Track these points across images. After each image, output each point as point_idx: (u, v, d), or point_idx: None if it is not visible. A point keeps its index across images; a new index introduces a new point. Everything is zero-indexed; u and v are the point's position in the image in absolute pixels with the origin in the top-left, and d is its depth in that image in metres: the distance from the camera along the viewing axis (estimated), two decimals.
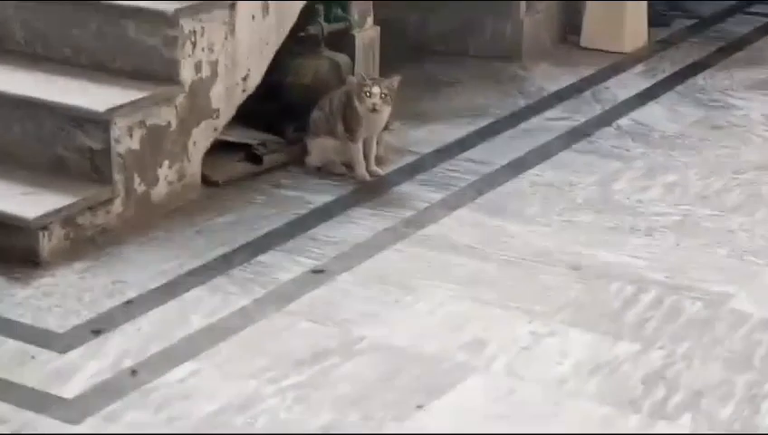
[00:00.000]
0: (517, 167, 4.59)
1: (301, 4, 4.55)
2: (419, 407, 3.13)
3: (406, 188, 4.42)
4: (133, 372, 3.26)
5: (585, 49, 5.88)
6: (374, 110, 4.34)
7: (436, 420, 3.08)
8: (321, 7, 4.69)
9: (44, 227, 3.79)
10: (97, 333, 3.44)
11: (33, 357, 3.30)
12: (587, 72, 5.61)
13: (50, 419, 3.05)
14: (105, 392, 3.17)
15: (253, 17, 4.35)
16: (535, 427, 3.06)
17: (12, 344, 3.37)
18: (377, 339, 3.43)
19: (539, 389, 3.23)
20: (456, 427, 3.05)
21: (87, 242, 3.91)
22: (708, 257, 3.94)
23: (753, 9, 6.57)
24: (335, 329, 3.48)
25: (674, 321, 3.56)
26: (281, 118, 4.63)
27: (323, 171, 4.49)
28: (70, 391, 3.17)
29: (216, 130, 4.32)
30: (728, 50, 5.95)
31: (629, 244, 4.03)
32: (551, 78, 5.51)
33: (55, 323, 3.49)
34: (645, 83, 5.50)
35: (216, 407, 3.11)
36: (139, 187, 4.06)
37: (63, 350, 3.35)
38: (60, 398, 3.14)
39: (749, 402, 3.16)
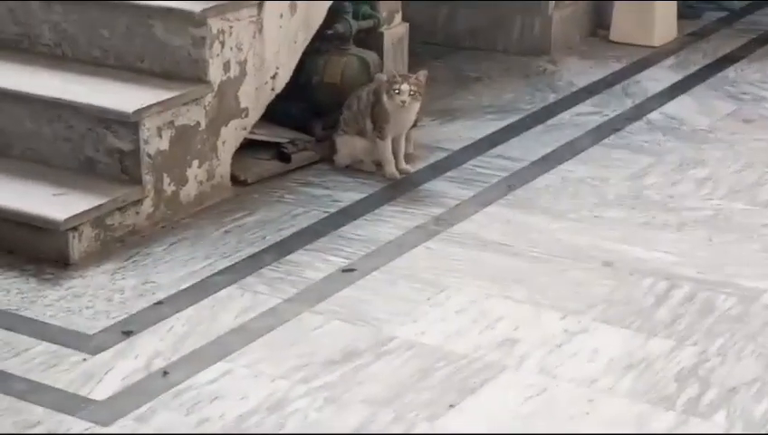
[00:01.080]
0: (547, 162, 4.57)
1: (329, 3, 4.54)
2: (451, 406, 3.11)
3: (435, 185, 4.39)
4: (164, 372, 3.26)
5: (615, 43, 5.84)
6: (402, 106, 4.32)
7: (468, 420, 3.06)
8: (349, 5, 4.68)
9: (74, 229, 3.79)
10: (128, 334, 3.43)
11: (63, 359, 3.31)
12: (617, 66, 5.59)
13: (81, 420, 3.04)
14: (136, 394, 3.16)
15: (281, 15, 4.34)
16: (568, 426, 3.04)
17: (43, 347, 3.36)
18: (408, 338, 3.41)
19: (571, 387, 3.20)
20: (489, 427, 3.03)
21: (117, 243, 3.91)
22: (741, 253, 3.91)
23: None
24: (366, 328, 3.46)
25: (707, 317, 3.53)
26: (309, 116, 4.62)
27: (352, 169, 4.47)
28: (100, 392, 3.16)
29: (244, 129, 4.31)
30: (759, 42, 5.90)
31: (661, 239, 4.00)
32: (580, 73, 5.49)
33: (86, 324, 3.48)
34: (675, 77, 5.47)
35: (248, 408, 3.10)
36: (169, 187, 4.06)
37: (94, 351, 3.35)
38: (90, 399, 3.14)
39: None
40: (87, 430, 3.01)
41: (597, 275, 3.77)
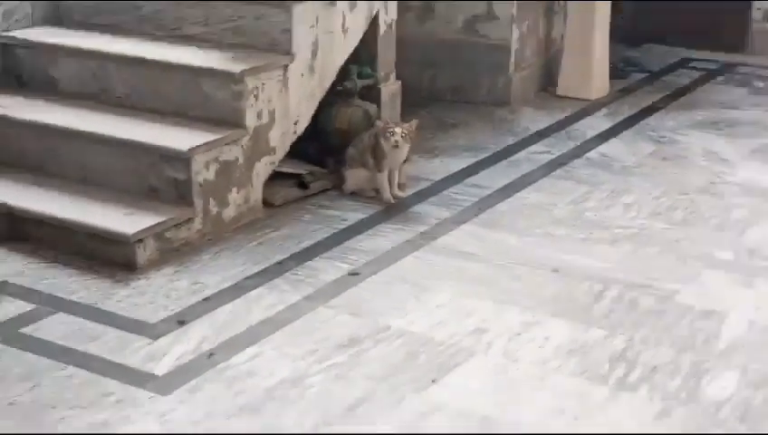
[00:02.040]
0: (508, 190, 4.58)
1: (339, 65, 4.56)
2: (433, 382, 3.12)
3: (421, 208, 4.40)
4: (210, 354, 3.26)
5: (560, 97, 5.86)
6: (396, 147, 4.33)
7: (446, 393, 3.07)
8: (354, 67, 4.69)
9: (140, 241, 3.79)
10: (182, 323, 3.44)
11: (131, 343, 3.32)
12: (562, 115, 5.62)
13: (145, 391, 3.05)
14: (188, 371, 3.17)
15: (301, 75, 4.35)
16: (524, 397, 3.05)
17: (115, 333, 3.37)
18: (399, 328, 3.42)
19: (527, 367, 3.21)
20: (462, 398, 3.04)
21: (173, 252, 3.91)
22: (659, 262, 3.92)
23: (692, 64, 6.56)
24: (367, 320, 3.47)
25: (632, 312, 3.54)
26: (323, 153, 4.62)
27: (357, 195, 4.48)
28: (160, 369, 3.17)
29: (273, 163, 4.32)
30: (673, 97, 5.94)
31: (597, 251, 4.00)
32: (533, 120, 5.51)
33: (149, 315, 3.49)
34: (608, 124, 5.49)
35: (274, 382, 3.11)
36: (214, 208, 4.06)
37: (155, 337, 3.35)
38: (153, 375, 3.14)
39: (693, 376, 3.15)
40: (150, 398, 3.02)
41: (547, 279, 3.78)
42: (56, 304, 3.55)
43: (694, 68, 6.47)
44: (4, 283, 3.68)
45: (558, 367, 3.21)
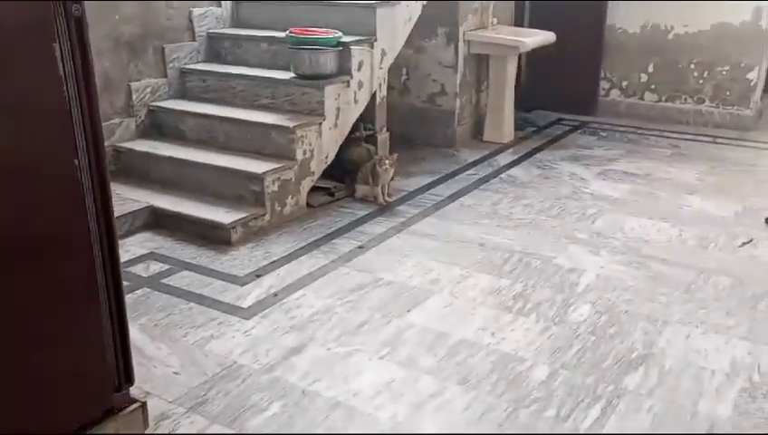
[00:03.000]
0: (453, 197, 4.55)
1: (352, 122, 4.54)
2: (408, 311, 3.12)
3: (401, 208, 4.37)
4: (275, 295, 3.25)
5: (485, 141, 5.81)
6: (386, 170, 4.32)
7: (417, 318, 3.07)
8: (361, 123, 4.67)
9: (233, 227, 3.77)
10: (259, 276, 3.43)
11: (226, 289, 3.30)
12: (486, 152, 5.56)
13: (236, 317, 3.05)
14: (262, 304, 3.16)
15: (329, 128, 4.32)
16: (464, 320, 3.04)
17: (219, 283, 3.36)
18: (389, 279, 3.41)
19: (465, 302, 3.21)
20: (426, 321, 3.03)
21: (253, 234, 3.88)
22: (543, 240, 3.91)
23: (563, 121, 6.53)
24: (369, 275, 3.46)
25: (527, 269, 3.53)
26: (342, 174, 4.59)
27: (363, 200, 4.43)
28: (246, 304, 3.16)
29: (312, 180, 4.29)
30: (552, 141, 5.90)
31: (505, 233, 3.99)
32: (469, 155, 5.46)
33: (239, 272, 3.47)
34: (513, 157, 5.44)
35: (314, 311, 3.10)
36: (277, 208, 4.04)
37: (242, 284, 3.34)
38: (240, 307, 3.13)
39: (562, 308, 3.14)
40: (238, 321, 3.01)
41: (476, 250, 3.76)
42: (183, 265, 3.54)
43: (564, 124, 6.42)
44: (151, 253, 3.66)
45: (482, 302, 3.21)
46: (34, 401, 1.73)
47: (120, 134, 4.42)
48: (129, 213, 3.89)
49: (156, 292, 3.25)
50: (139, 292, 3.25)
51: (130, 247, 3.71)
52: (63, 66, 1.68)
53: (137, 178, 4.26)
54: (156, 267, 3.50)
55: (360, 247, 3.77)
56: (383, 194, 4.42)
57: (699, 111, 6.37)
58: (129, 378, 1.96)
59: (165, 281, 3.37)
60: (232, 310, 3.11)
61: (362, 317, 3.06)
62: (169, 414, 2.40)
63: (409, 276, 3.44)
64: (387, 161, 4.32)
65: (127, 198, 4.03)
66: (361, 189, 4.46)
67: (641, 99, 6.60)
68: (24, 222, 1.65)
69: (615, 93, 6.70)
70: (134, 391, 2.51)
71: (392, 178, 4.49)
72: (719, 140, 5.91)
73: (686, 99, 6.43)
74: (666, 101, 6.50)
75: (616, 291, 3.31)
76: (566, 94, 6.67)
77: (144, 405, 1.99)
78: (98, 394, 1.88)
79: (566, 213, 4.30)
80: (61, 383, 1.77)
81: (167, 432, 2.30)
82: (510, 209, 4.35)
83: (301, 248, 3.75)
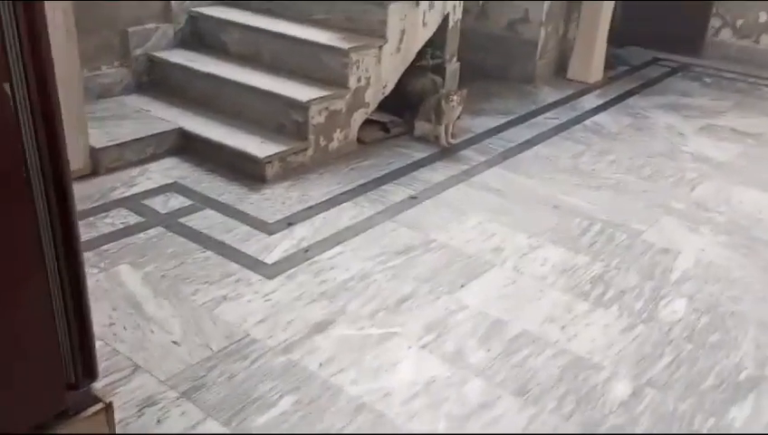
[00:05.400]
0: (527, 145, 3.93)
1: (418, 48, 3.91)
2: (462, 286, 2.59)
3: (465, 153, 3.79)
4: (306, 250, 2.77)
5: (569, 79, 5.09)
6: (453, 107, 3.72)
7: (470, 297, 2.54)
8: (428, 50, 4.04)
9: (269, 162, 3.28)
10: (290, 224, 2.94)
11: (253, 237, 2.83)
12: (569, 92, 4.87)
13: (257, 274, 2.58)
14: (289, 261, 2.68)
15: (391, 54, 3.72)
16: (525, 305, 2.50)
17: (245, 228, 2.89)
18: (442, 241, 2.88)
19: (531, 281, 2.66)
20: (482, 302, 2.51)
21: (291, 171, 3.39)
22: (631, 207, 3.29)
23: (660, 62, 5.71)
24: (420, 233, 2.93)
25: (610, 244, 2.94)
26: (401, 108, 4.00)
27: (423, 140, 3.86)
28: (270, 259, 2.69)
29: (366, 113, 3.74)
30: (646, 85, 5.14)
31: (586, 195, 3.37)
32: (549, 95, 4.78)
33: (269, 217, 2.99)
34: (600, 101, 4.75)
35: (349, 276, 2.61)
36: (322, 142, 3.51)
37: (270, 233, 2.87)
38: (264, 263, 2.66)
39: (652, 301, 2.56)
40: (259, 280, 2.54)
41: (549, 213, 3.17)
42: (207, 202, 3.07)
43: (662, 65, 5.62)
44: (174, 183, 3.21)
45: (553, 283, 2.65)
46: None
47: (156, 41, 3.92)
48: (155, 135, 3.42)
49: (170, 233, 2.81)
50: (151, 231, 2.80)
51: (152, 175, 3.26)
52: None
53: (168, 95, 3.78)
54: (176, 202, 3.05)
55: (412, 198, 3.23)
56: (446, 134, 3.83)
57: None
58: (90, 372, 1.51)
59: (183, 220, 2.91)
60: (254, 265, 2.64)
61: (406, 289, 2.55)
62: (158, 399, 1.97)
63: (467, 240, 2.90)
64: (455, 97, 3.71)
65: (155, 117, 3.56)
66: (422, 127, 3.87)
67: (757, 42, 5.72)
68: None
69: (726, 33, 5.82)
70: (123, 361, 2.10)
71: (458, 117, 3.88)
72: None
73: None
74: None
75: (720, 283, 2.70)
76: (667, 30, 5.82)
77: (109, 406, 1.55)
78: (44, 393, 1.43)
79: (660, 175, 3.64)
80: None
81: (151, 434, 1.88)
82: (593, 165, 3.71)
83: (344, 193, 3.23)
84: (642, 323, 2.44)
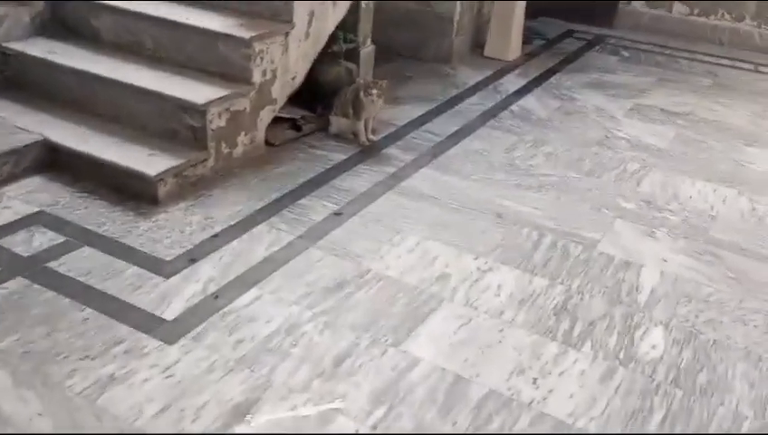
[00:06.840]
0: (455, 138, 3.50)
1: (328, 33, 3.37)
2: (409, 333, 2.14)
3: (389, 151, 3.31)
4: (215, 296, 2.23)
5: (486, 57, 4.68)
6: (372, 102, 3.24)
7: (421, 344, 2.10)
8: (341, 33, 3.51)
9: (161, 179, 2.68)
10: (193, 261, 2.39)
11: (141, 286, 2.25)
12: (489, 72, 4.46)
13: (153, 339, 2.03)
14: (195, 314, 2.14)
15: (299, 40, 3.17)
16: (486, 354, 2.08)
17: (133, 270, 2.31)
18: (378, 271, 2.41)
19: (488, 319, 2.23)
20: (436, 354, 2.06)
21: (189, 187, 2.80)
22: (579, 210, 2.93)
23: (575, 34, 5.40)
24: (351, 263, 2.45)
25: (565, 261, 2.56)
26: (313, 102, 3.47)
27: (339, 138, 3.35)
28: (170, 313, 2.14)
29: (274, 111, 3.18)
30: (566, 61, 4.81)
31: (529, 197, 2.99)
32: (470, 76, 4.36)
33: (164, 252, 2.42)
34: (522, 81, 4.36)
35: (272, 330, 2.10)
36: (225, 149, 2.94)
37: (168, 275, 2.30)
38: (162, 319, 2.11)
39: (627, 332, 2.21)
40: (158, 347, 1.99)
41: (493, 224, 2.76)
42: (84, 236, 2.46)
43: (577, 38, 5.32)
44: (40, 212, 2.56)
45: (512, 320, 2.24)
46: None
47: (7, 30, 3.18)
48: (13, 150, 2.74)
49: (36, 285, 2.19)
50: (9, 285, 2.18)
51: (10, 202, 2.60)
52: None
53: (28, 96, 3.08)
54: (43, 240, 2.42)
55: (336, 214, 2.74)
56: (366, 130, 3.34)
57: (737, 30, 5.33)
58: None
59: (53, 265, 2.29)
60: (149, 324, 2.08)
61: (343, 343, 2.07)
62: None
63: (406, 268, 2.45)
64: (375, 91, 3.21)
65: (11, 126, 2.87)
66: (338, 123, 3.36)
67: (669, 11, 5.51)
68: None
69: (638, 3, 5.59)
70: None
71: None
72: (762, 69, 4.91)
73: (723, 14, 5.36)
74: (698, 15, 5.42)
75: (692, 303, 2.39)
76: (579, 0, 5.51)
77: None
78: None
79: (602, 169, 3.30)
80: None
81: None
82: (529, 160, 3.33)
83: (255, 213, 2.70)
84: (621, 365, 2.08)
